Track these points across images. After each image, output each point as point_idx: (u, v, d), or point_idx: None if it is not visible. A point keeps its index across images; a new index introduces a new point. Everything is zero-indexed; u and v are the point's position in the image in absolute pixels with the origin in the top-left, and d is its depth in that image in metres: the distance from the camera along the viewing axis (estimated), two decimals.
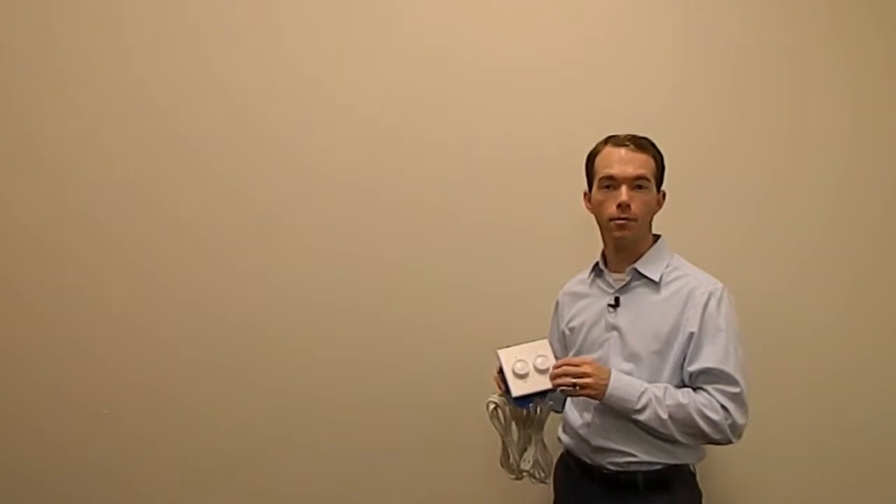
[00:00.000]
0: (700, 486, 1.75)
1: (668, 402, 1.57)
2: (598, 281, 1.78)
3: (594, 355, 1.70)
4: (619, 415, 1.64)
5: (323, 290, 2.21)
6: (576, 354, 1.76)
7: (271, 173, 2.23)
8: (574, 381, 1.59)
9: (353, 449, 2.21)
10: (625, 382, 1.59)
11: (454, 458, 2.18)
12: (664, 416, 1.57)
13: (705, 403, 1.57)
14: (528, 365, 1.63)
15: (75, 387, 2.25)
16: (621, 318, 1.70)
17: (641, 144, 1.68)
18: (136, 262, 2.24)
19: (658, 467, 1.65)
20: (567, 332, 1.82)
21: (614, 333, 1.69)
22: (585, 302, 1.79)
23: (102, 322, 2.25)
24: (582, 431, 1.72)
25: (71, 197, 2.25)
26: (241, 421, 2.23)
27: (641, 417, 1.58)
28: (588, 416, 1.72)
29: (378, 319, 2.20)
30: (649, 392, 1.58)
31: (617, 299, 1.71)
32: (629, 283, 1.71)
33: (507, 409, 1.71)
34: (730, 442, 1.61)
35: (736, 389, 1.58)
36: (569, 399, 1.81)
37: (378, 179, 2.21)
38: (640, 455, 1.65)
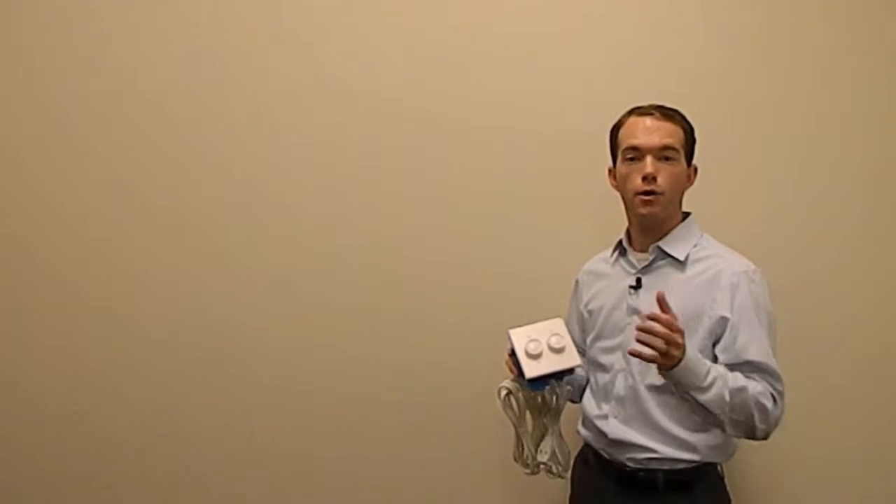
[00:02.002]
0: (729, 489, 1.63)
1: (731, 383, 1.46)
2: (621, 260, 1.68)
3: (614, 341, 1.61)
4: (640, 405, 1.54)
5: (317, 277, 2.08)
6: (594, 339, 1.67)
7: (259, 148, 2.09)
8: (665, 348, 1.39)
9: (352, 443, 2.09)
10: (695, 356, 1.46)
11: (464, 452, 2.06)
12: (727, 397, 1.45)
13: (761, 391, 1.48)
14: (542, 344, 1.52)
15: (42, 382, 2.13)
16: (643, 300, 1.58)
17: (668, 113, 1.59)
18: (109, 246, 2.11)
19: (681, 466, 1.54)
20: (585, 314, 1.72)
21: (635, 318, 1.57)
22: (606, 282, 1.69)
23: (71, 311, 2.12)
24: (599, 423, 1.61)
25: (35, 175, 2.13)
26: (227, 420, 2.10)
27: (704, 397, 1.45)
28: (606, 407, 1.61)
29: (379, 306, 2.07)
30: (714, 370, 1.46)
31: (639, 280, 1.61)
32: (653, 262, 1.60)
33: (520, 395, 1.60)
34: (766, 437, 1.51)
35: (780, 386, 1.50)
36: (588, 388, 1.70)
37: (378, 155, 2.07)
38: (662, 451, 1.53)
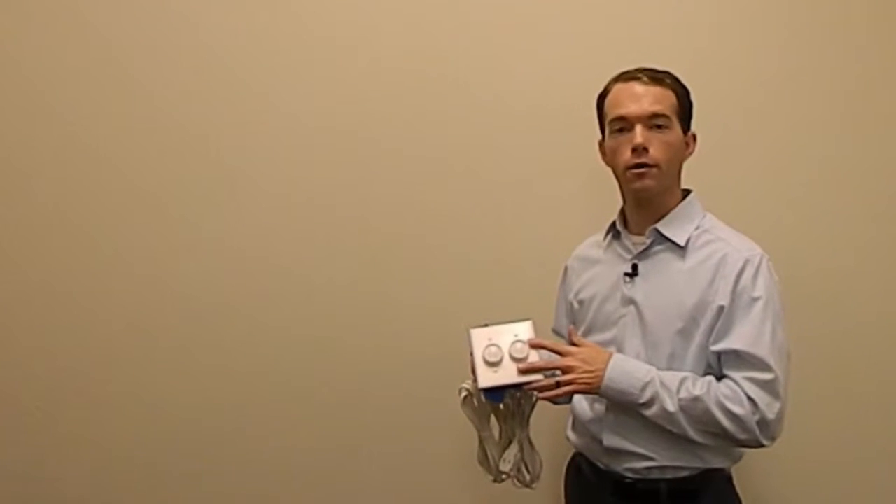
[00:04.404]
0: (739, 494, 1.50)
1: (682, 394, 1.34)
2: (615, 244, 1.54)
3: (607, 335, 1.47)
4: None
5: (295, 259, 1.97)
6: (585, 333, 1.52)
7: (235, 117, 1.96)
8: (554, 380, 1.37)
9: (340, 439, 1.98)
10: (626, 371, 1.37)
11: (448, 458, 1.95)
12: (671, 408, 1.34)
13: (728, 395, 1.33)
14: (502, 351, 1.39)
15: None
16: (639, 289, 1.45)
17: (657, 76, 1.44)
18: (72, 222, 1.99)
19: (684, 473, 1.41)
20: (576, 304, 1.58)
21: (631, 308, 1.45)
22: (598, 269, 1.55)
23: (30, 298, 2.00)
24: (592, 428, 1.48)
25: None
26: (202, 414, 1.99)
27: (647, 413, 1.36)
28: (599, 409, 1.47)
29: (357, 292, 1.96)
30: (655, 383, 1.35)
31: (635, 266, 1.46)
32: (650, 247, 1.46)
33: (482, 397, 1.47)
34: (759, 444, 1.36)
35: (768, 376, 1.33)
36: None
37: (358, 125, 1.94)
38: (661, 459, 1.41)
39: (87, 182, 1.99)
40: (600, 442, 1.45)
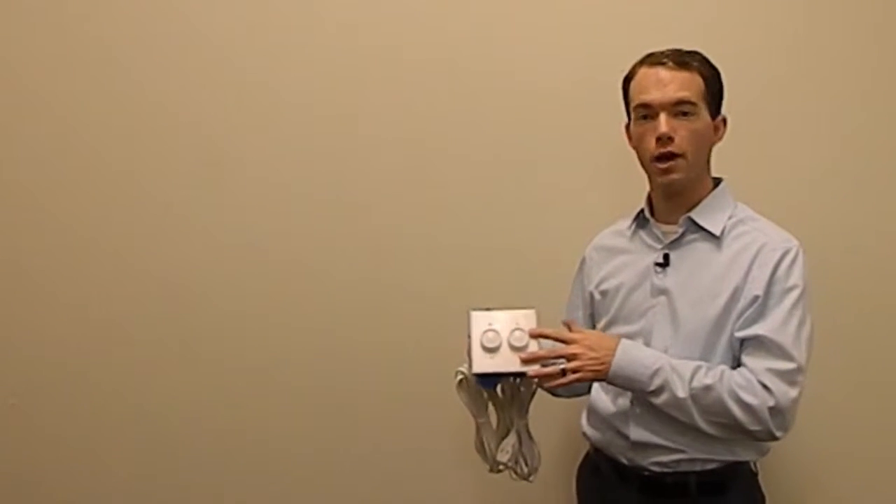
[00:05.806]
0: (763, 488, 1.49)
1: (694, 383, 1.31)
2: (642, 233, 1.50)
3: (633, 327, 1.44)
4: None
5: (298, 250, 1.93)
6: (608, 325, 1.49)
7: (232, 109, 1.92)
8: (559, 367, 1.34)
9: (329, 435, 1.95)
10: (635, 357, 1.34)
11: (449, 452, 1.90)
12: (681, 395, 1.31)
13: (742, 384, 1.30)
14: (501, 337, 1.36)
15: None
16: (671, 279, 1.41)
17: (683, 60, 1.40)
18: (64, 219, 1.94)
19: (713, 466, 1.39)
20: (597, 296, 1.54)
21: (662, 299, 1.41)
22: (624, 259, 1.51)
23: (16, 293, 1.95)
24: (617, 422, 1.44)
25: None
26: (198, 408, 1.95)
27: (657, 401, 1.34)
28: (624, 402, 1.44)
29: (355, 285, 1.92)
30: (666, 370, 1.32)
31: (666, 256, 1.42)
32: (683, 236, 1.43)
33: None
34: (772, 435, 1.32)
35: (789, 365, 1.30)
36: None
37: (357, 108, 1.90)
38: (692, 451, 1.38)
39: (78, 176, 1.94)
40: (626, 437, 1.42)
